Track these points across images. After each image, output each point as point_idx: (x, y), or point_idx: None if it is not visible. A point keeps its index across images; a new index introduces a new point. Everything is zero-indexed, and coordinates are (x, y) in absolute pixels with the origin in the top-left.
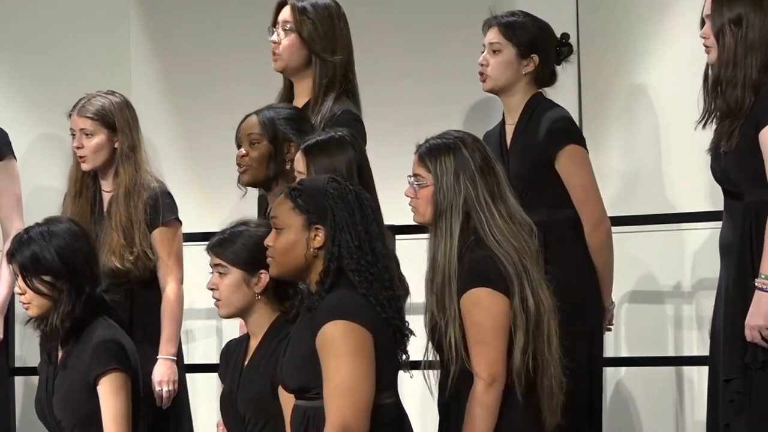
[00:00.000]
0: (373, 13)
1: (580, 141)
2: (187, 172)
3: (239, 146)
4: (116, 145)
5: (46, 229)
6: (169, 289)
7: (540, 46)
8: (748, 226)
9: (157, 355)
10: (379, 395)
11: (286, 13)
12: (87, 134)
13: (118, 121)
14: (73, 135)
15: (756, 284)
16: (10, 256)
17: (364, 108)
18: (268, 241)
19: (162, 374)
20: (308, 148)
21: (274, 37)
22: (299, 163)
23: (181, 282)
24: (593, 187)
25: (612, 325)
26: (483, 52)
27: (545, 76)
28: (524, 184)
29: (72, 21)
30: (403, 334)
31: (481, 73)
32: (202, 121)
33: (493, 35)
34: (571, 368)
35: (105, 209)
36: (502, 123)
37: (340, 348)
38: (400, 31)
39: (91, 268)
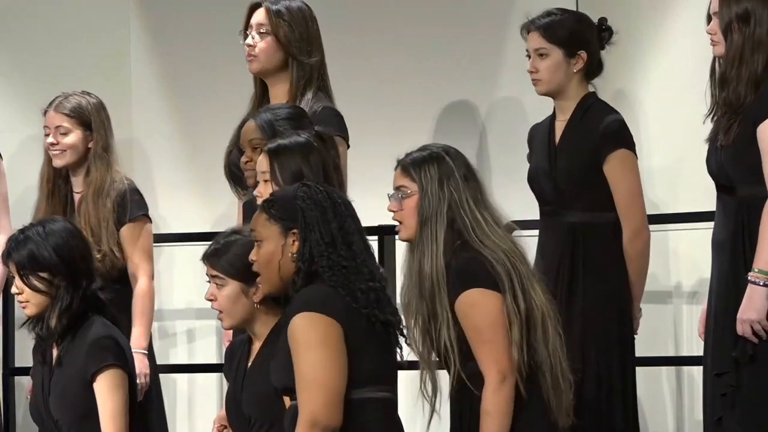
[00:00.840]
0: (363, 12)
1: (632, 146)
2: (187, 172)
3: (241, 153)
4: (90, 144)
5: (42, 228)
6: (139, 284)
7: (584, 41)
8: (741, 222)
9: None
10: (364, 389)
11: (260, 16)
12: (62, 132)
13: (94, 121)
14: (47, 134)
15: (749, 278)
16: (7, 256)
17: (358, 107)
18: (252, 256)
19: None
20: (272, 151)
21: (249, 41)
22: (262, 163)
23: (152, 277)
24: (639, 193)
25: (636, 333)
26: (529, 59)
27: (594, 68)
28: (569, 183)
29: (72, 21)
30: (385, 325)
31: (534, 79)
32: (202, 121)
33: (535, 41)
34: (604, 373)
35: (76, 208)
36: (552, 119)
37: (305, 340)
38: (392, 30)
39: (87, 264)
